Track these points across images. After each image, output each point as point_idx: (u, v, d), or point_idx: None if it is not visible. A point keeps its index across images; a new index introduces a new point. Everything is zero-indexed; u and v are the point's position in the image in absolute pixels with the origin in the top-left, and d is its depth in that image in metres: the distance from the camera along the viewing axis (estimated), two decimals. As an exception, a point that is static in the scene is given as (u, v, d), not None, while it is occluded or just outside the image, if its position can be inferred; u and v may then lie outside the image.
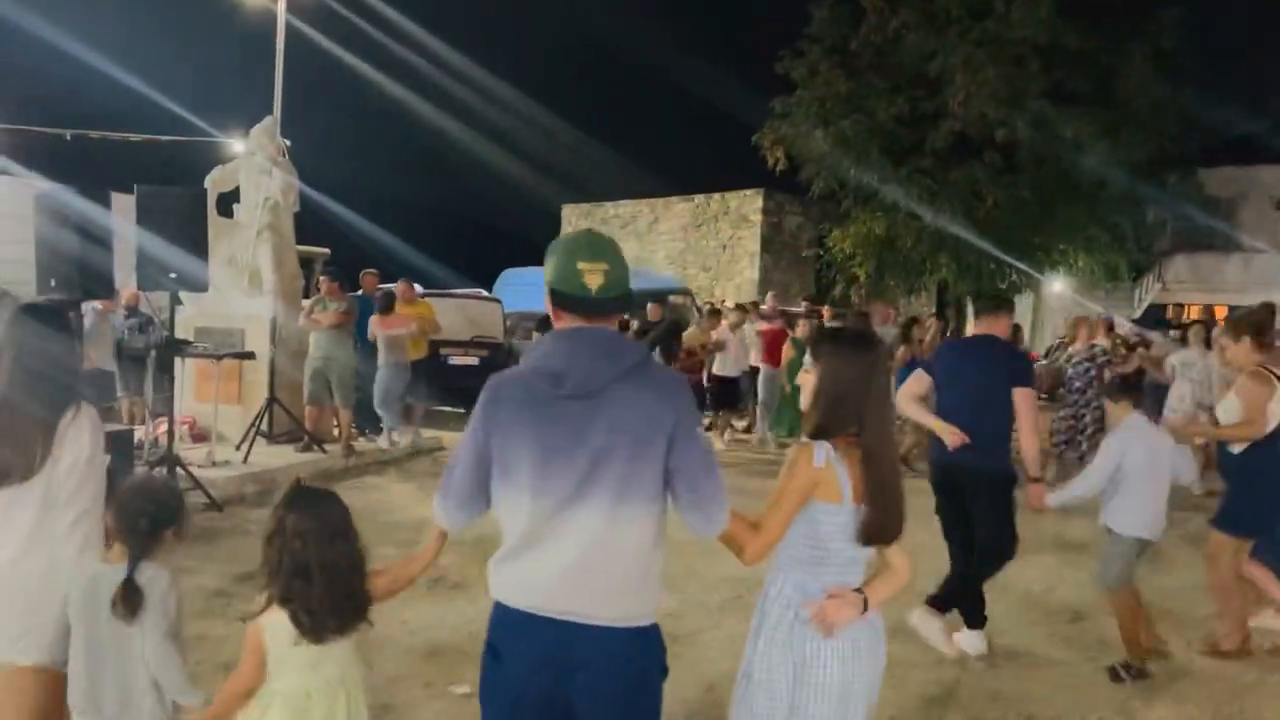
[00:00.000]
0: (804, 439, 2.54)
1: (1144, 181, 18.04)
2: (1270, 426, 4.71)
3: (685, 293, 22.50)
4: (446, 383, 11.98)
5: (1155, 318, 24.23)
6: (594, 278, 2.19)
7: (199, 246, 7.52)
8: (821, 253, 21.49)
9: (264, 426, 9.18)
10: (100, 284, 6.90)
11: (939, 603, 4.79)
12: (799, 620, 2.48)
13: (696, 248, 29.45)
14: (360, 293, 10.73)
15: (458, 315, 13.00)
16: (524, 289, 19.64)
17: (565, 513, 2.17)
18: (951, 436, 4.64)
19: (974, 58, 17.14)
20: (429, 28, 19.68)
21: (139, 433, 8.59)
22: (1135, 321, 20.73)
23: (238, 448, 8.81)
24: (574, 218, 32.79)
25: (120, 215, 7.04)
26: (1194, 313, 25.56)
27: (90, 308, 9.70)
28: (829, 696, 2.47)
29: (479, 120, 28.70)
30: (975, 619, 4.91)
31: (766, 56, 19.60)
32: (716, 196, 29.18)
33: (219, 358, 8.60)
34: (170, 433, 7.70)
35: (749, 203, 28.36)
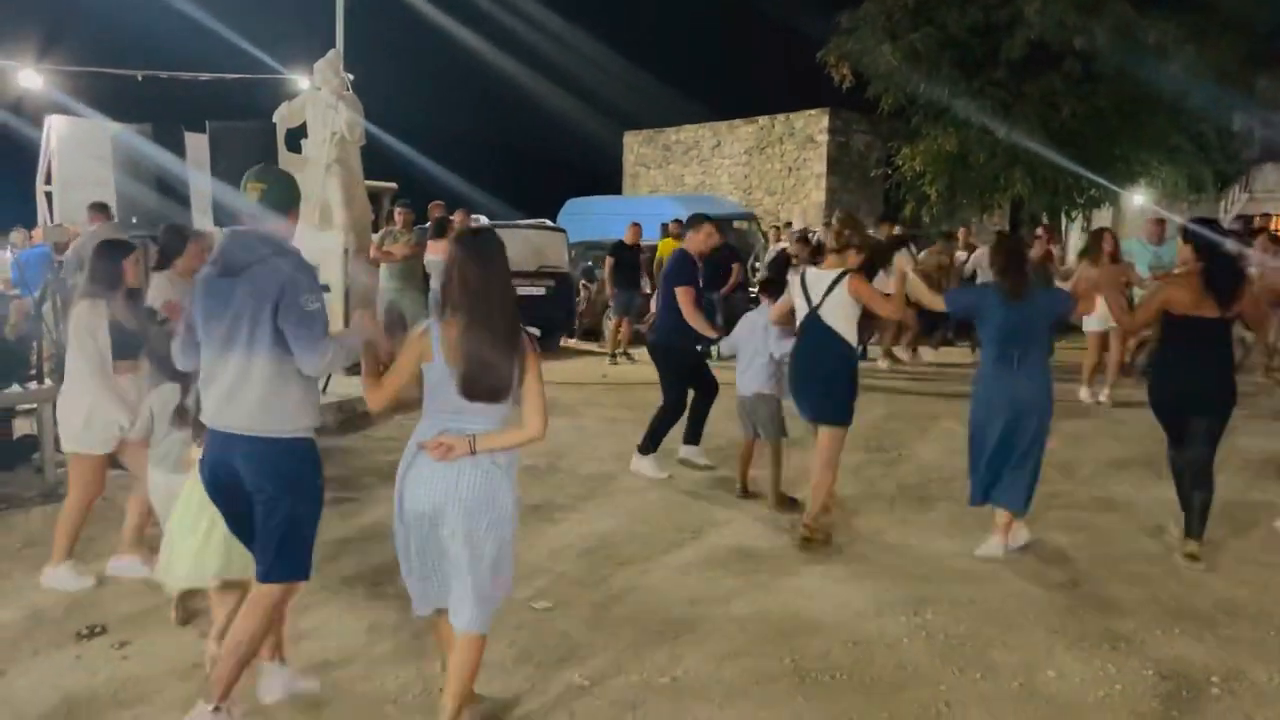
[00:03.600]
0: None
1: (1230, 86, 17.16)
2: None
3: (750, 218, 22.20)
4: (514, 312, 12.05)
5: (1242, 229, 23.24)
6: (253, 194, 3.23)
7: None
8: (890, 172, 20.97)
9: (341, 358, 9.37)
10: (179, 220, 7.08)
11: (646, 447, 6.64)
12: (410, 452, 3.13)
13: (761, 171, 28.99)
14: (429, 224, 10.82)
15: (523, 247, 12.99)
16: (589, 218, 19.59)
17: (220, 357, 3.18)
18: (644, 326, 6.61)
19: (1051, -39, 16.37)
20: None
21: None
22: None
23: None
24: (636, 144, 32.46)
25: (193, 153, 7.20)
26: (1283, 224, 24.49)
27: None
28: (417, 517, 3.07)
29: (538, 51, 28.37)
30: (649, 448, 6.65)
31: (831, -31, 19.02)
32: (781, 117, 28.57)
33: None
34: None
35: (814, 123, 27.73)
